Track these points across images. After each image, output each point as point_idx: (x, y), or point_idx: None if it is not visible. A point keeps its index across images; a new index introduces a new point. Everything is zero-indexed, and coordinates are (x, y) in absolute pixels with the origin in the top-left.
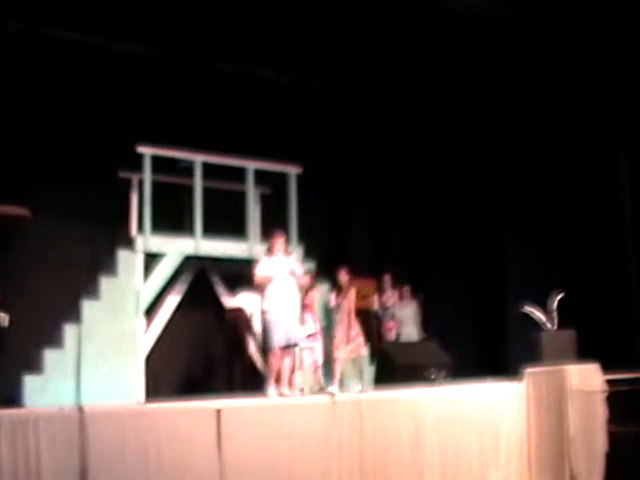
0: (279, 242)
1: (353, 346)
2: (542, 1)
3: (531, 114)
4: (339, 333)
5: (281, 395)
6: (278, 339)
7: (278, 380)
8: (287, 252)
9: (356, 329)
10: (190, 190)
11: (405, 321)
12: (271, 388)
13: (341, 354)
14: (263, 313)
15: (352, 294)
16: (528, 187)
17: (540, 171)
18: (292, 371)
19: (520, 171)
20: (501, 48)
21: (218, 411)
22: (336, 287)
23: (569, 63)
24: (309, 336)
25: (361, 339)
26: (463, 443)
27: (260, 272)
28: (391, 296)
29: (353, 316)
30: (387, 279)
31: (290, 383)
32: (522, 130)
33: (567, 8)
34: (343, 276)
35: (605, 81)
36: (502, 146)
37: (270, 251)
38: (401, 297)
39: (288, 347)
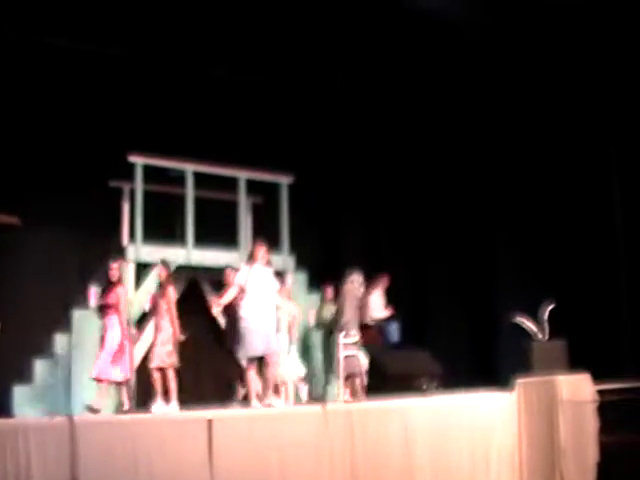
0: (261, 251)
1: (164, 352)
2: (527, 5)
3: (519, 129)
4: (160, 336)
5: (269, 405)
6: (252, 348)
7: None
8: (269, 262)
9: (169, 332)
10: (181, 199)
11: None
12: (254, 400)
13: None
14: (240, 321)
15: (171, 293)
16: (519, 198)
17: (531, 181)
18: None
19: (511, 182)
20: (488, 56)
21: (209, 421)
22: (157, 286)
23: (557, 72)
24: None
25: (170, 347)
26: (454, 453)
27: (234, 286)
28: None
29: (174, 317)
30: (329, 291)
31: (276, 392)
32: (513, 138)
33: (552, 13)
34: (161, 272)
35: (594, 89)
36: (493, 158)
37: (252, 259)
38: None
39: (266, 355)
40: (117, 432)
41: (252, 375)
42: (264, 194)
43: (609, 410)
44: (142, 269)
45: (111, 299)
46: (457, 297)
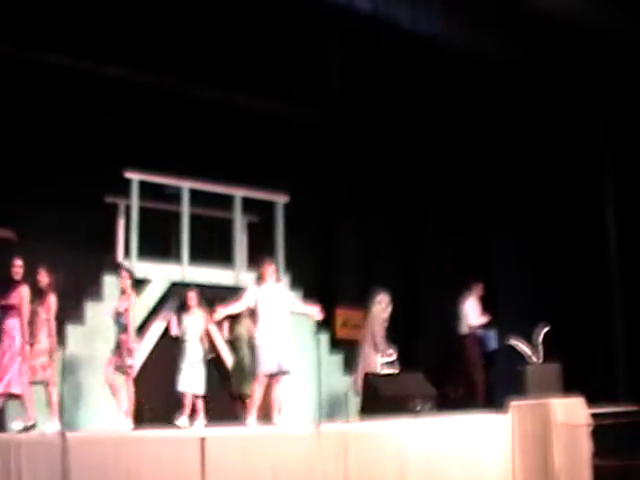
0: (270, 269)
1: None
2: None
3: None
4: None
5: (273, 424)
6: (266, 366)
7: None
8: (278, 279)
9: (45, 344)
10: (177, 217)
11: None
12: (251, 417)
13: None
14: (254, 339)
15: (52, 301)
16: (514, 220)
17: (524, 200)
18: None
19: (505, 200)
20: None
21: (202, 440)
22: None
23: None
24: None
25: (45, 360)
26: (448, 475)
27: (242, 303)
28: None
29: (53, 329)
30: None
31: (280, 410)
32: (507, 145)
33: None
34: (43, 277)
35: (584, 75)
36: (486, 169)
37: (261, 279)
38: None
39: (277, 375)
40: (109, 449)
41: (258, 392)
42: (260, 213)
43: (603, 434)
44: (137, 285)
45: (12, 299)
46: (451, 319)
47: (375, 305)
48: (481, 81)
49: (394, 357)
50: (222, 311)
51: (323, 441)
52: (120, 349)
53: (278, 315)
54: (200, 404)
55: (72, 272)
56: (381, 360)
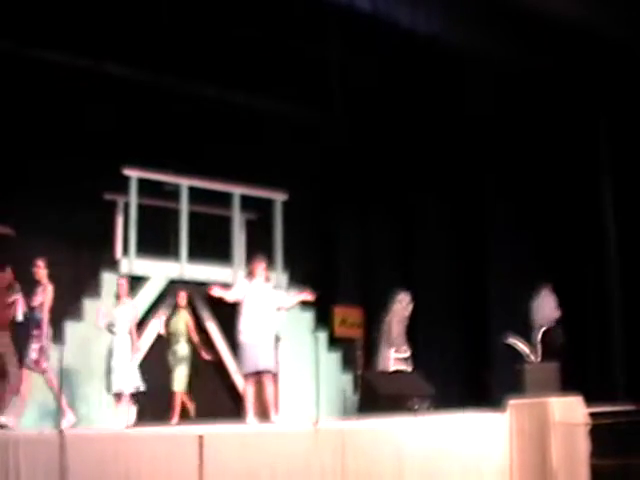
0: (260, 267)
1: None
2: None
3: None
4: None
5: (269, 422)
6: (249, 364)
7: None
8: (268, 279)
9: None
10: (176, 214)
11: None
12: (250, 416)
13: None
14: (238, 334)
15: (48, 291)
16: (513, 219)
17: (523, 199)
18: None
19: (504, 199)
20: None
21: (200, 437)
22: None
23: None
24: None
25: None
26: (445, 474)
27: (232, 293)
28: None
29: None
30: (182, 297)
31: (275, 408)
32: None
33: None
34: (40, 269)
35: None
36: (486, 169)
37: (251, 275)
38: None
39: (261, 373)
40: (107, 446)
41: (249, 391)
42: (258, 210)
43: (601, 433)
44: (135, 282)
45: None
46: (450, 318)
47: (396, 304)
48: (480, 81)
49: (408, 354)
50: (218, 291)
51: (321, 439)
52: (32, 346)
53: (263, 313)
54: (129, 400)
55: (71, 269)
56: (395, 355)
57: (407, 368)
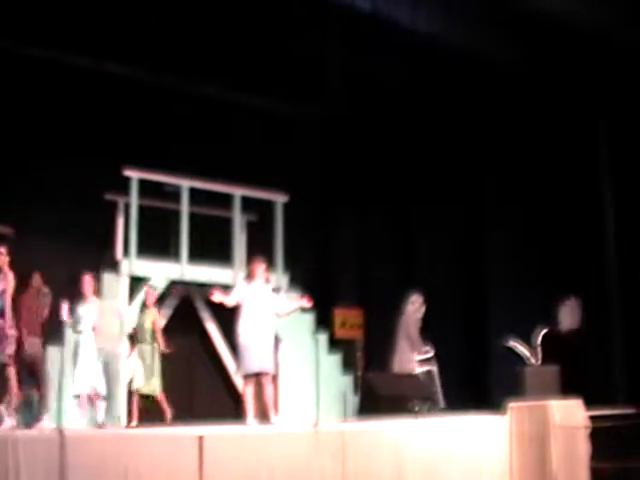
0: (259, 268)
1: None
2: None
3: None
4: None
5: (269, 423)
6: (248, 365)
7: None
8: (268, 280)
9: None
10: (176, 215)
11: None
12: (250, 417)
13: None
14: (237, 336)
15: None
16: (512, 220)
17: (522, 200)
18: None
19: (503, 200)
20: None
21: (200, 438)
22: None
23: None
24: None
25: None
26: (445, 475)
27: (232, 297)
28: None
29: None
30: (150, 295)
31: (275, 409)
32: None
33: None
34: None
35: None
36: (486, 169)
37: (250, 276)
38: None
39: (259, 375)
40: (107, 447)
41: (248, 393)
42: (259, 212)
43: (601, 436)
44: (136, 283)
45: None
46: (450, 320)
47: (409, 305)
48: (480, 81)
49: (431, 354)
50: (219, 296)
51: (321, 440)
52: None
53: (263, 315)
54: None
55: (71, 270)
56: (418, 357)
57: (432, 368)
